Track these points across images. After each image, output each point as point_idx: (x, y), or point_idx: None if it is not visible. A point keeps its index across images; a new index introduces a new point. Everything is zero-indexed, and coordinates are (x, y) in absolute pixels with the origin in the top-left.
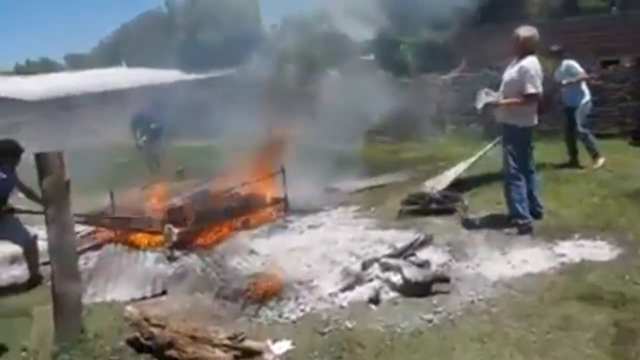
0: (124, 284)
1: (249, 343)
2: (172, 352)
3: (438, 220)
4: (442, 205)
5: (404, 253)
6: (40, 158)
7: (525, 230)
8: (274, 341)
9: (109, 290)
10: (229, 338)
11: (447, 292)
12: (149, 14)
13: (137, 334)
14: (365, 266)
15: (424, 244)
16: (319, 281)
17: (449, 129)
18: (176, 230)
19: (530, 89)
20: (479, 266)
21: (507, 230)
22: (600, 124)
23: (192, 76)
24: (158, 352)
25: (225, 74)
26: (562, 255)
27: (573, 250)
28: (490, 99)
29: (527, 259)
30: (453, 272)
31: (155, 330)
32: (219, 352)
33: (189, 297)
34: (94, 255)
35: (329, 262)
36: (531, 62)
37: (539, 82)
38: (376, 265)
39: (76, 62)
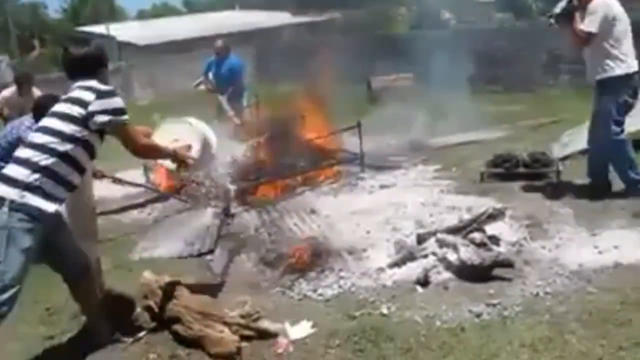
0: (176, 240)
1: (265, 324)
2: (177, 328)
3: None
4: (530, 170)
5: (467, 228)
6: None
7: None
8: (294, 322)
9: (160, 245)
10: (242, 316)
11: (510, 280)
12: None
13: (151, 303)
14: (420, 240)
15: (491, 218)
16: (372, 252)
17: (563, 79)
18: (232, 187)
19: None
20: (558, 248)
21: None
22: None
23: (300, 19)
24: (164, 325)
25: (331, 18)
26: None
27: None
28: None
29: (621, 244)
30: (525, 254)
31: (167, 302)
32: (227, 332)
33: (234, 258)
34: (159, 207)
35: (390, 229)
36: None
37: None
38: (433, 239)
39: (194, 7)
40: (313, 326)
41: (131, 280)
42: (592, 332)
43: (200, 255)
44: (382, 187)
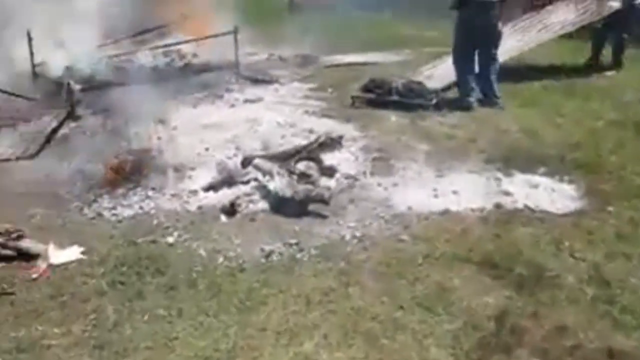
0: (2, 142)
1: (26, 244)
2: None
3: (393, 117)
4: (402, 99)
5: (298, 155)
6: None
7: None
8: (68, 244)
9: None
10: (1, 234)
11: (325, 217)
12: None
13: None
14: (245, 163)
15: (324, 146)
16: (200, 171)
17: None
18: (78, 87)
19: None
20: (395, 187)
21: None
22: None
23: None
24: None
25: None
26: (506, 193)
27: (523, 189)
28: None
29: (461, 189)
30: (356, 190)
31: None
32: None
33: (56, 163)
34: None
35: (233, 148)
36: None
37: None
38: None
39: None
40: (85, 252)
41: None
42: (381, 286)
43: (19, 159)
44: (247, 101)
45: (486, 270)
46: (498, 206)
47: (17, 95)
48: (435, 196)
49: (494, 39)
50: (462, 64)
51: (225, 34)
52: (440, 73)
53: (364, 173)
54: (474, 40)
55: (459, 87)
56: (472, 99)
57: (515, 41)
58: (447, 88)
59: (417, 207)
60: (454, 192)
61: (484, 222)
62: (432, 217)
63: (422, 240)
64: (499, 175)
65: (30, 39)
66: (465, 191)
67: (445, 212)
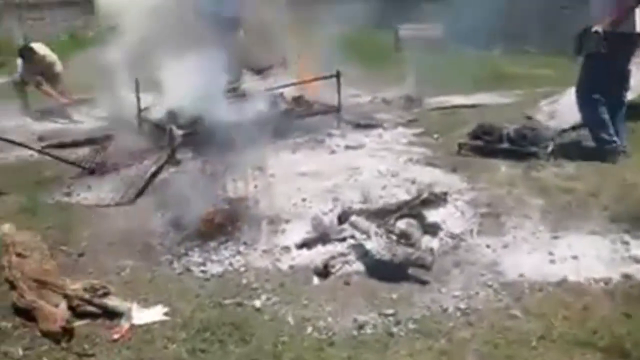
0: (104, 187)
1: (112, 301)
2: (14, 295)
3: (503, 167)
4: (514, 147)
5: (399, 211)
6: None
7: (613, 152)
8: (151, 304)
9: (89, 190)
10: (85, 290)
11: (425, 284)
12: None
13: (4, 261)
14: (341, 219)
15: (427, 203)
16: (294, 224)
17: None
18: (180, 132)
19: None
20: (505, 249)
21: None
22: None
23: None
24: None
25: None
26: (636, 260)
27: None
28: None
29: (581, 253)
30: (461, 251)
31: (13, 261)
32: (63, 306)
33: (151, 210)
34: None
35: (331, 200)
36: None
37: None
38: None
39: None
40: (168, 312)
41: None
42: None
43: (117, 205)
44: (348, 147)
45: (614, 359)
46: (626, 277)
47: (71, 163)
48: (552, 262)
49: (627, 80)
50: (589, 107)
51: (328, 77)
52: (562, 110)
53: (471, 232)
54: (606, 84)
55: (592, 132)
56: (617, 140)
57: None
58: (571, 128)
59: (530, 274)
60: (573, 257)
61: (609, 297)
62: (548, 288)
63: (536, 317)
64: (627, 237)
65: (137, 84)
66: (587, 257)
67: (563, 282)
